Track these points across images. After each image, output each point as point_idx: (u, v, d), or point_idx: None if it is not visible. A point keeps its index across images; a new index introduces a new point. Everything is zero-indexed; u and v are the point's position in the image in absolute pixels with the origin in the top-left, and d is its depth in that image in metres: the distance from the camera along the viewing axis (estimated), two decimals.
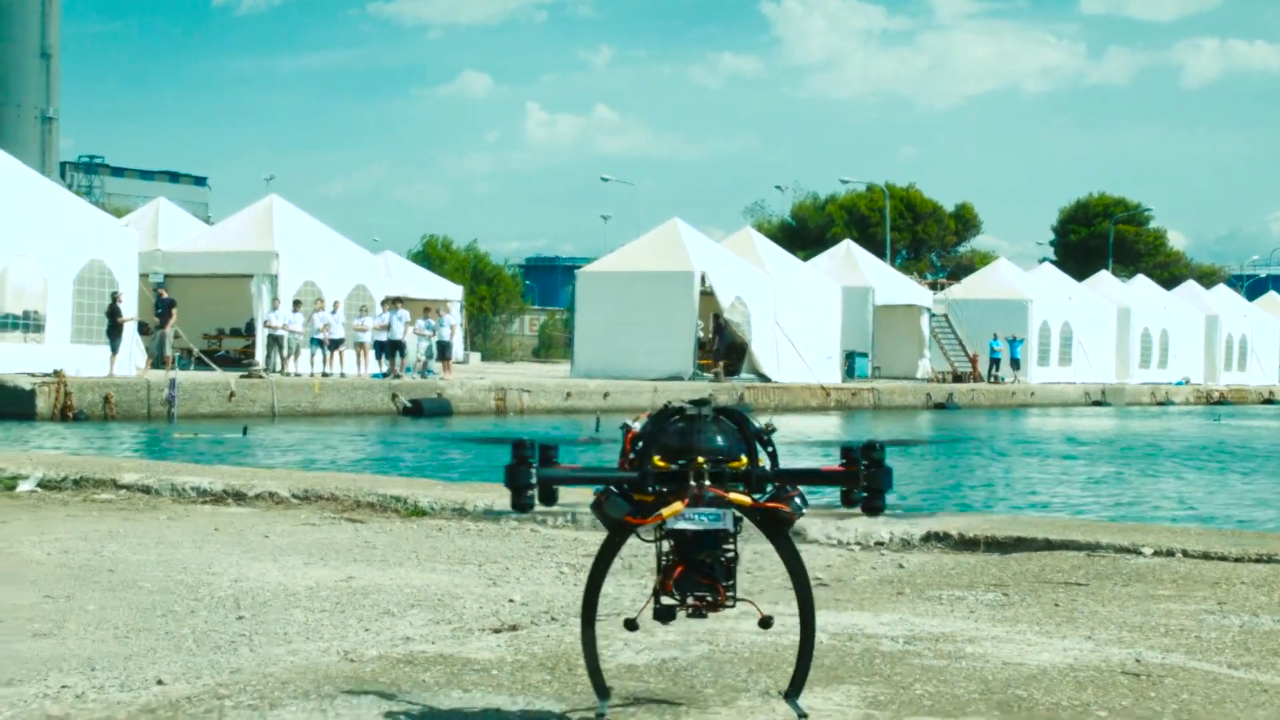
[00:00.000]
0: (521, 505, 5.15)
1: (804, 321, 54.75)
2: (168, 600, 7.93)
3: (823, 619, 7.56)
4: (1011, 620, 7.70)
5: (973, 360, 65.22)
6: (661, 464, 5.13)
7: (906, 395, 55.04)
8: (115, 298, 38.39)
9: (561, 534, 10.45)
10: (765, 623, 5.35)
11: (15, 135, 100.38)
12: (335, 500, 11.76)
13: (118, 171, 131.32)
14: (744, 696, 5.89)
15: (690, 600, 5.13)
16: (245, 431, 30.93)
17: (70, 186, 69.75)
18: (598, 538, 9.96)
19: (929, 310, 65.58)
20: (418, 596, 8.16)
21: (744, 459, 5.17)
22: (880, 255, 74.02)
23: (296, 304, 44.53)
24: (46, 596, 7.98)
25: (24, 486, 12.50)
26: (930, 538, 10.22)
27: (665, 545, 5.15)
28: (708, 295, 51.73)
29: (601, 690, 5.47)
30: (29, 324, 37.94)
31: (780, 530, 5.26)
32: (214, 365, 42.38)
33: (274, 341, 43.86)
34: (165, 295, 41.71)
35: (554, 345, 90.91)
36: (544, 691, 5.91)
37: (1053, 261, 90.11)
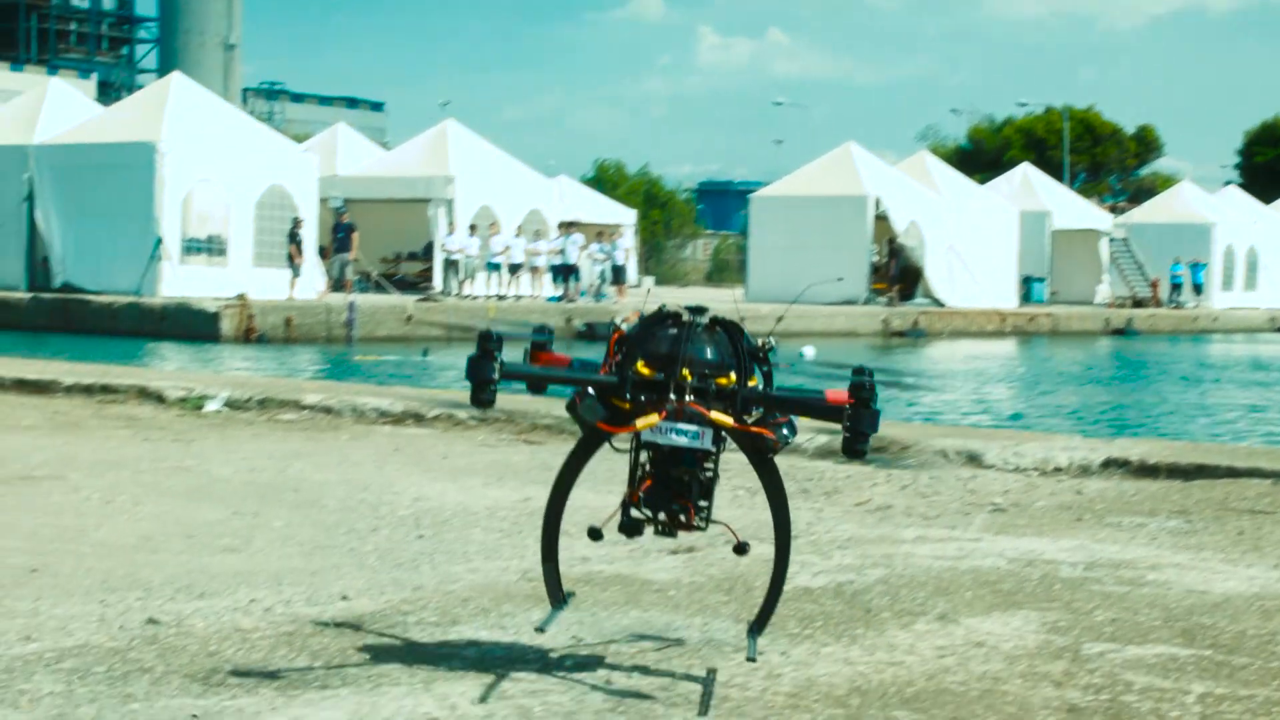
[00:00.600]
0: (481, 401, 4.79)
1: (979, 246, 54.04)
2: (350, 518, 8.08)
3: (1000, 544, 7.52)
4: (1195, 548, 7.58)
5: (1153, 285, 63.96)
6: (645, 371, 4.82)
7: (1084, 320, 54.22)
8: (296, 223, 39.02)
9: (738, 457, 10.43)
10: (740, 549, 5.04)
11: (200, 63, 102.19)
12: (512, 422, 11.87)
13: (297, 98, 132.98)
14: (921, 620, 5.88)
15: (662, 516, 4.89)
16: (425, 354, 31.27)
17: (251, 113, 70.81)
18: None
19: (1108, 234, 64.42)
20: (595, 517, 8.21)
21: (733, 375, 4.83)
22: (1058, 179, 72.78)
23: (472, 228, 44.92)
24: (235, 513, 8.18)
25: (211, 406, 12.79)
26: (1110, 464, 10.07)
27: (643, 456, 4.87)
28: (882, 220, 51.28)
29: (555, 597, 5.14)
30: (213, 248, 38.73)
31: (763, 457, 4.97)
32: (392, 288, 42.93)
33: (450, 265, 44.33)
34: (346, 220, 42.29)
35: (727, 269, 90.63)
36: (721, 612, 5.94)
37: (1238, 184, 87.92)
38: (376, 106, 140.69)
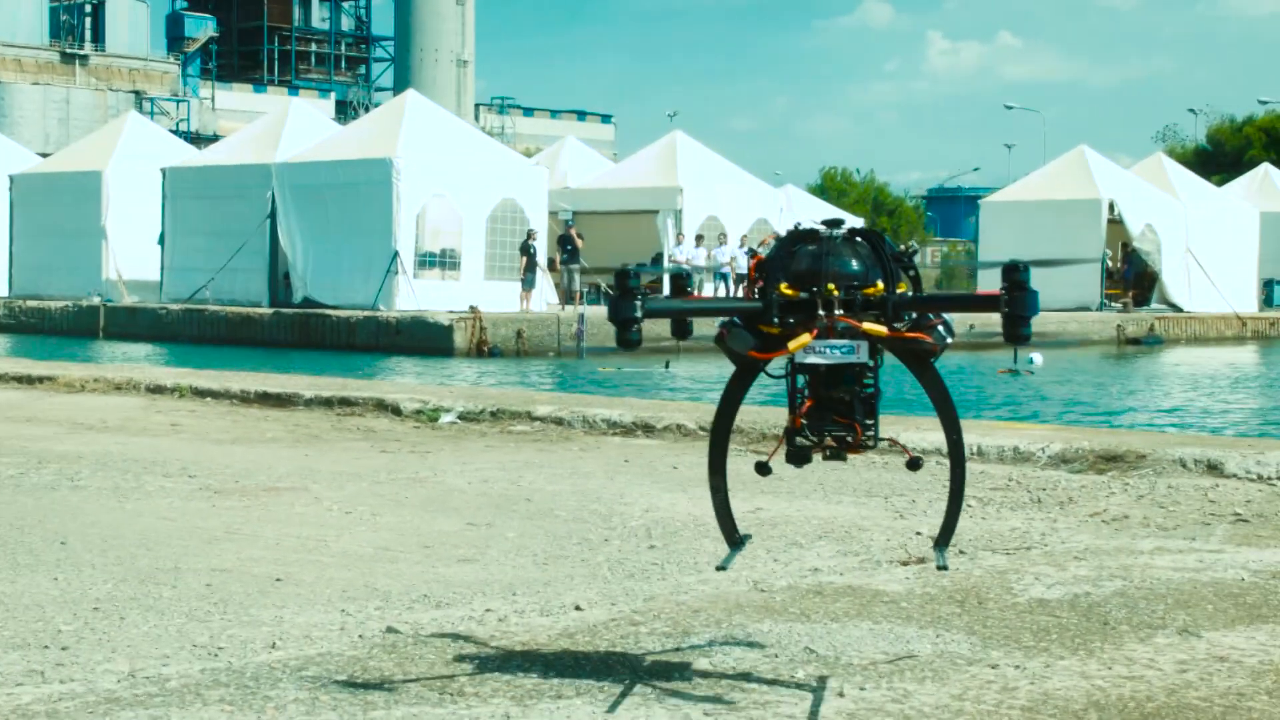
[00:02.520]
0: (626, 341, 4.68)
1: (1218, 249, 52.71)
2: (582, 529, 8.16)
3: (1243, 556, 7.33)
4: None
5: None
6: (789, 292, 4.69)
7: None
8: (530, 235, 39.53)
9: (970, 467, 10.31)
10: (913, 464, 4.95)
11: (433, 80, 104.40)
12: (741, 433, 11.86)
13: (527, 111, 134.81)
14: (1160, 634, 5.75)
15: (827, 441, 4.77)
16: (668, 365, 31.20)
17: (483, 127, 72.01)
18: (1004, 471, 9.84)
19: None
20: (825, 528, 8.21)
21: (880, 285, 4.69)
22: None
23: (699, 239, 45.07)
24: (469, 524, 8.31)
25: (446, 419, 13.02)
26: None
27: (800, 381, 4.77)
28: (1115, 224, 50.36)
29: (731, 538, 5.17)
30: (446, 261, 39.43)
31: (923, 363, 4.82)
32: None
33: None
34: (574, 232, 42.71)
35: (957, 276, 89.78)
36: (954, 625, 5.88)
37: None
38: (605, 119, 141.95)
